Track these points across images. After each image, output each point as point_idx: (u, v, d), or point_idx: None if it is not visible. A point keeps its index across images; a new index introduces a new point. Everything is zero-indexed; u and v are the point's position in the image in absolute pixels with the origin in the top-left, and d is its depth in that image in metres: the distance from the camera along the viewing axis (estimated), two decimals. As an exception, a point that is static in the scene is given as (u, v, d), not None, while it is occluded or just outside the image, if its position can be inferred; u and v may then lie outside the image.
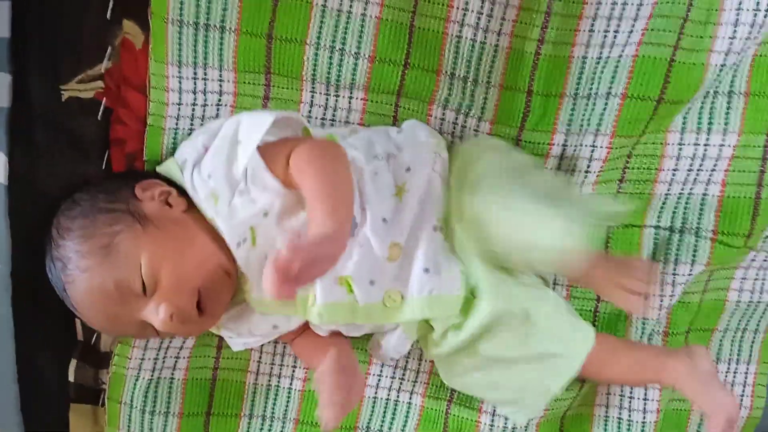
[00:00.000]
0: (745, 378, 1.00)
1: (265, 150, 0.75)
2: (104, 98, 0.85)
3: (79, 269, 0.74)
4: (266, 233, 0.75)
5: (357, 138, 0.82)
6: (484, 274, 0.77)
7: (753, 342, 0.99)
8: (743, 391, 1.00)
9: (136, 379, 0.91)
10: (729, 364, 0.99)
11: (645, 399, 0.96)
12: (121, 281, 0.72)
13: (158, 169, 0.81)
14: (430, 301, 0.77)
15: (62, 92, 0.84)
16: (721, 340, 0.99)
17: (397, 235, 0.76)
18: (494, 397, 0.87)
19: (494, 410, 0.95)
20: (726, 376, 1.00)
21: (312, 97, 0.85)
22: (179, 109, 0.83)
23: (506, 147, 0.83)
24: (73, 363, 0.93)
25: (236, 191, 0.74)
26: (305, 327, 0.87)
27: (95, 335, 0.93)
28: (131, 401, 0.92)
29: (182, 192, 0.79)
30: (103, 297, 0.73)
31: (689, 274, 0.89)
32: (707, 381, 0.79)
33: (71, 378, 0.93)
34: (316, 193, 0.71)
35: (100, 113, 0.85)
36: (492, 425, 0.96)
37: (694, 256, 0.89)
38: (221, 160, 0.75)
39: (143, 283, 0.73)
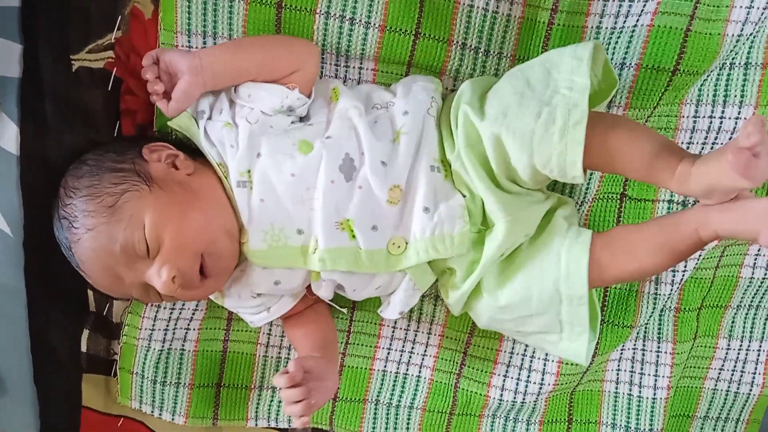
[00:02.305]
0: (758, 356, 0.99)
1: None
2: (114, 68, 0.85)
3: (85, 228, 0.74)
4: (262, 177, 0.75)
5: (357, 91, 0.83)
6: (493, 201, 0.74)
7: (766, 320, 0.98)
8: (756, 368, 0.99)
9: (147, 350, 0.92)
10: (741, 341, 0.99)
11: (656, 375, 0.96)
12: (125, 242, 0.73)
13: (170, 123, 0.80)
14: (434, 241, 0.76)
15: (72, 62, 0.84)
16: (733, 317, 0.98)
17: (397, 177, 0.75)
18: (531, 329, 0.80)
19: (503, 384, 0.95)
20: (738, 354, 0.99)
21: (322, 67, 0.85)
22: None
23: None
24: (86, 333, 0.94)
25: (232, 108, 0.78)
26: (303, 302, 0.87)
27: (107, 306, 0.93)
28: (142, 371, 0.93)
29: (189, 156, 0.79)
30: (108, 257, 0.73)
31: (703, 249, 0.88)
32: (738, 205, 0.67)
33: (83, 348, 0.94)
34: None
35: (110, 83, 0.85)
36: (501, 399, 0.96)
37: (707, 229, 0.88)
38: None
39: (147, 245, 0.73)
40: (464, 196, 0.77)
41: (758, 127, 0.60)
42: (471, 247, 0.78)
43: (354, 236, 0.75)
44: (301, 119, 0.81)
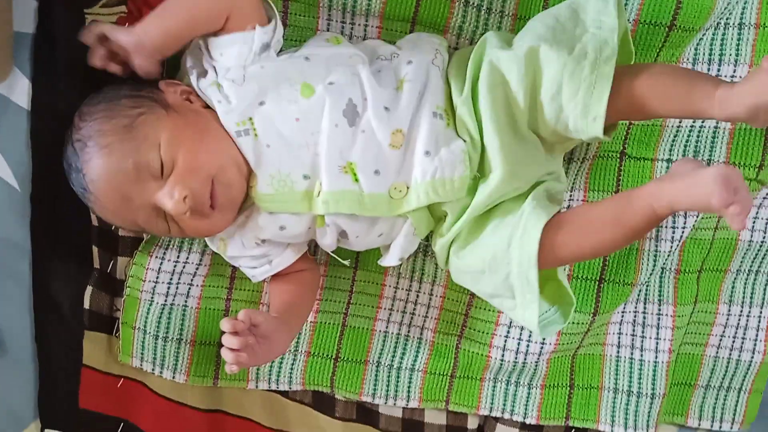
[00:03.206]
0: (759, 322, 0.99)
1: None
2: (126, 23, 0.87)
3: (99, 146, 0.75)
4: (267, 124, 0.76)
5: (363, 45, 0.85)
6: (497, 146, 0.75)
7: (766, 285, 0.98)
8: (756, 335, 0.99)
9: (150, 303, 0.92)
10: (742, 307, 0.99)
11: (657, 338, 0.96)
12: (139, 160, 0.74)
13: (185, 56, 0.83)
14: (434, 184, 0.77)
15: (86, 16, 0.87)
16: (733, 282, 0.98)
17: (399, 122, 0.77)
18: (486, 289, 0.80)
19: (504, 344, 0.95)
20: (739, 320, 0.99)
21: (328, 25, 0.87)
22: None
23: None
24: (89, 290, 0.94)
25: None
26: (301, 262, 0.87)
27: (111, 263, 0.94)
28: (144, 326, 0.93)
29: None
30: (120, 175, 0.74)
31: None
32: (689, 175, 0.69)
33: (86, 305, 0.94)
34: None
35: (122, 38, 0.87)
36: (502, 359, 0.95)
37: (705, 187, 0.89)
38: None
39: (161, 164, 0.74)
40: (465, 141, 0.78)
41: None
42: (466, 194, 0.79)
43: (357, 179, 0.77)
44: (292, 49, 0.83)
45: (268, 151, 0.77)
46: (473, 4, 0.85)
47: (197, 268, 0.93)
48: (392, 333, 0.98)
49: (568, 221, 0.75)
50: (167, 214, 0.76)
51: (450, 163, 0.77)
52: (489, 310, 0.95)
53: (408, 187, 0.78)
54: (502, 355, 0.95)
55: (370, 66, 0.80)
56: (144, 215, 0.77)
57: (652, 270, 0.92)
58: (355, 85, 0.78)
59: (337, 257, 0.88)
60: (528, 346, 0.94)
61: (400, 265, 0.93)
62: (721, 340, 1.00)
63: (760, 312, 0.99)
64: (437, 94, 0.79)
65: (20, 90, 0.90)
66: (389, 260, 0.84)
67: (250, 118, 0.77)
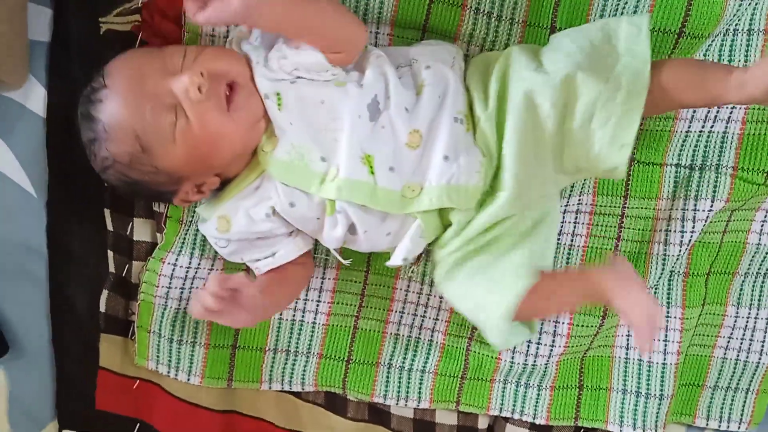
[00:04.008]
0: (766, 324, 1.00)
1: None
2: (141, 31, 0.88)
3: (127, 55, 0.78)
4: (293, 102, 0.77)
5: (382, 50, 0.84)
6: (514, 171, 0.77)
7: None
8: (764, 337, 1.00)
9: (164, 308, 0.94)
10: (750, 309, 1.00)
11: (666, 341, 0.97)
12: (162, 56, 0.75)
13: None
14: (449, 189, 0.77)
15: (101, 25, 0.88)
16: (741, 285, 0.99)
17: (418, 122, 0.78)
18: (465, 307, 0.84)
19: (514, 347, 0.96)
20: (747, 322, 1.00)
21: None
22: (213, 40, 0.86)
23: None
24: (105, 294, 0.96)
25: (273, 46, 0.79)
26: (303, 258, 0.87)
27: (126, 267, 0.95)
28: (159, 330, 0.94)
29: None
30: (140, 65, 0.75)
31: (710, 210, 0.90)
32: (624, 282, 0.77)
33: (102, 308, 0.96)
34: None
35: (136, 46, 0.88)
36: (512, 362, 0.97)
37: (714, 192, 0.90)
38: None
39: (184, 56, 0.75)
40: (483, 156, 0.79)
41: None
42: (474, 207, 0.80)
43: (373, 172, 0.77)
44: None
45: (291, 128, 0.77)
46: (484, 11, 0.85)
47: (209, 273, 0.94)
48: (403, 335, 0.99)
49: (536, 293, 0.78)
50: (179, 104, 0.73)
51: (467, 170, 0.78)
52: (499, 313, 0.96)
53: (422, 188, 0.79)
54: (512, 358, 0.97)
55: (395, 71, 0.80)
56: (154, 102, 0.73)
57: (661, 273, 0.93)
58: (381, 83, 0.78)
59: (339, 258, 0.87)
60: (537, 348, 0.96)
61: (411, 269, 0.95)
62: (728, 341, 1.01)
63: (768, 315, 1.00)
64: (458, 100, 0.80)
65: (36, 97, 0.92)
66: (394, 259, 0.84)
67: (278, 93, 0.77)
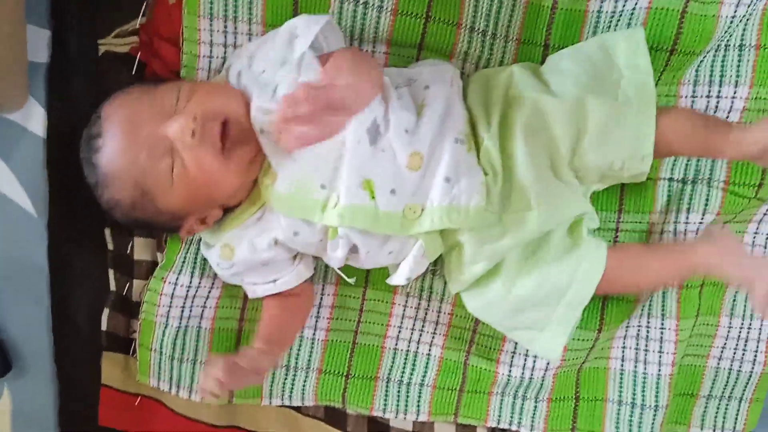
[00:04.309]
0: (759, 334, 1.01)
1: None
2: (139, 53, 0.89)
3: (122, 95, 0.79)
4: None
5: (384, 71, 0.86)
6: (537, 189, 0.78)
7: None
8: (757, 347, 1.01)
9: (165, 327, 0.94)
10: (743, 319, 1.01)
11: (660, 352, 0.98)
12: (155, 96, 0.77)
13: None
14: (450, 210, 0.78)
15: (99, 47, 0.89)
16: (734, 296, 1.00)
17: (419, 144, 0.78)
18: (517, 323, 0.86)
19: (512, 361, 0.98)
20: (740, 332, 1.01)
21: (338, 50, 0.89)
22: (210, 62, 0.87)
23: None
24: (106, 312, 0.97)
25: (285, 77, 0.78)
26: (303, 285, 0.89)
27: (127, 285, 0.96)
28: (160, 348, 0.95)
29: None
30: (135, 110, 0.76)
31: (701, 222, 0.91)
32: (738, 254, 0.81)
33: (104, 327, 0.97)
34: (342, 66, 0.76)
35: (134, 67, 0.89)
36: (509, 375, 0.98)
37: (705, 205, 0.92)
38: (279, 50, 0.80)
39: (177, 99, 0.76)
40: (486, 174, 0.80)
41: None
42: (488, 228, 0.81)
43: (374, 196, 0.78)
44: None
45: (289, 156, 0.77)
46: (478, 29, 0.87)
47: (210, 291, 0.95)
48: (402, 350, 1.00)
49: (623, 262, 0.83)
50: (174, 148, 0.75)
51: (468, 191, 0.78)
52: (496, 327, 0.98)
53: (423, 209, 0.80)
54: (509, 371, 0.98)
55: (394, 90, 0.81)
56: (149, 149, 0.75)
57: (655, 285, 0.94)
58: (381, 105, 0.79)
59: (343, 275, 0.89)
60: (534, 362, 0.97)
61: (409, 284, 0.96)
62: (722, 351, 1.02)
63: (761, 324, 1.01)
64: (458, 119, 0.81)
65: (36, 118, 0.93)
66: (397, 279, 0.86)
67: None
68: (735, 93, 0.89)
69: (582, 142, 0.77)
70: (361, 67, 0.78)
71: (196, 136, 0.74)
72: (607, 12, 0.85)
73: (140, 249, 0.95)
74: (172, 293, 0.93)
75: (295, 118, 0.73)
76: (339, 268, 0.87)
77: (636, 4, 0.84)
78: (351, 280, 0.89)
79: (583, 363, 1.00)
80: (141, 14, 0.88)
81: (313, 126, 0.73)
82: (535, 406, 1.01)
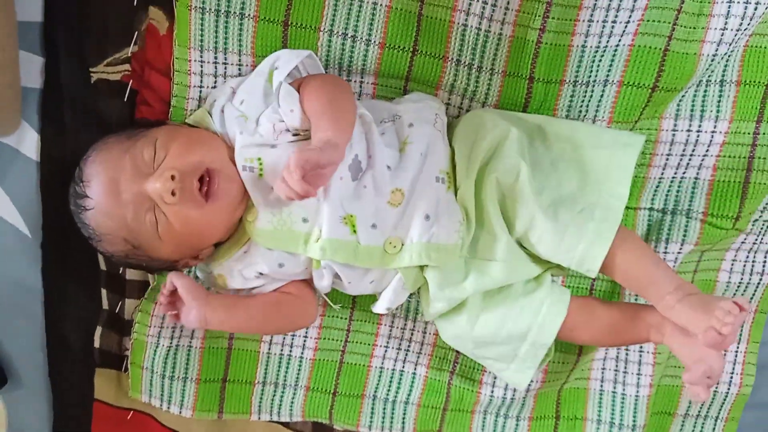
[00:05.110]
0: (735, 356, 1.04)
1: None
2: (130, 81, 0.90)
3: (101, 148, 0.81)
4: (273, 167, 0.79)
5: (368, 104, 0.88)
6: (507, 240, 0.82)
7: (742, 324, 1.03)
8: (733, 369, 1.04)
9: (156, 346, 0.97)
10: (720, 342, 1.03)
11: (639, 374, 1.01)
12: (134, 151, 0.78)
13: (188, 120, 0.87)
14: (428, 247, 0.81)
15: (91, 75, 0.90)
16: (712, 320, 1.03)
17: (400, 181, 0.81)
18: (486, 354, 0.89)
19: (494, 382, 1.00)
20: (717, 355, 1.04)
21: (325, 82, 0.90)
22: (200, 91, 0.88)
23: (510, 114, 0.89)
24: (99, 330, 0.99)
25: (267, 108, 0.81)
26: (296, 285, 0.89)
27: (119, 304, 0.99)
28: (152, 366, 0.98)
29: None
30: (115, 167, 0.78)
31: (679, 252, 0.94)
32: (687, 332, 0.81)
33: (96, 344, 0.99)
34: (321, 111, 0.78)
35: (126, 95, 0.91)
36: (492, 395, 1.01)
37: (684, 235, 0.94)
38: (258, 86, 0.83)
39: (154, 154, 0.77)
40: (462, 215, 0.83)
41: (735, 317, 0.73)
42: (452, 270, 0.84)
43: (355, 231, 0.80)
44: None
45: (271, 191, 0.79)
46: (464, 62, 0.88)
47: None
48: (387, 368, 1.02)
49: (581, 311, 0.85)
50: (156, 204, 0.77)
51: (447, 230, 0.81)
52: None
53: (402, 244, 0.82)
54: (492, 392, 1.01)
55: (376, 126, 0.83)
56: (133, 209, 0.77)
57: (634, 313, 0.96)
58: (362, 142, 0.81)
59: (329, 301, 0.92)
60: (516, 383, 1.00)
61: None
62: (699, 373, 1.05)
63: (737, 347, 1.04)
64: (440, 158, 0.83)
65: (29, 142, 0.94)
66: (378, 308, 0.89)
67: (259, 158, 0.80)
68: (715, 128, 0.91)
69: (534, 231, 0.81)
70: (335, 105, 0.80)
71: (176, 195, 0.76)
72: (591, 47, 0.86)
73: (132, 270, 0.97)
74: (163, 314, 0.96)
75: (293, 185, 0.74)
76: (326, 294, 0.89)
77: (620, 41, 0.85)
78: (336, 307, 0.92)
79: (563, 383, 1.02)
80: (132, 42, 0.89)
81: (310, 187, 0.74)
82: (517, 425, 1.04)
